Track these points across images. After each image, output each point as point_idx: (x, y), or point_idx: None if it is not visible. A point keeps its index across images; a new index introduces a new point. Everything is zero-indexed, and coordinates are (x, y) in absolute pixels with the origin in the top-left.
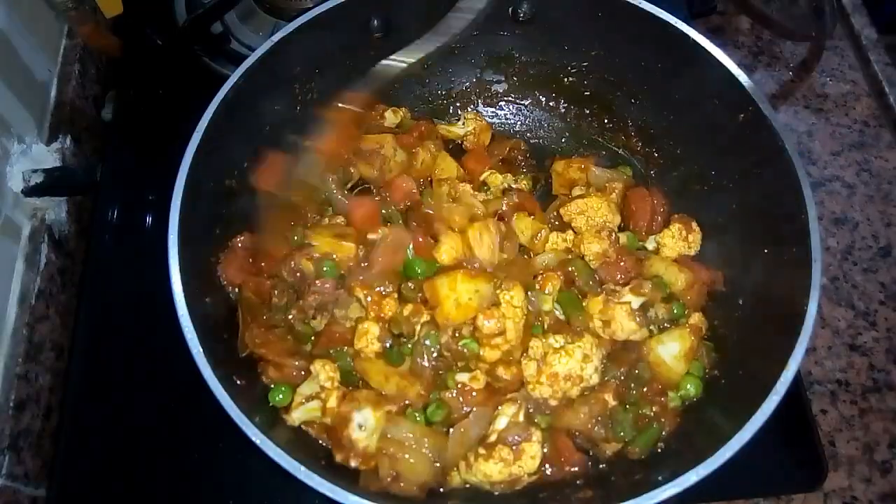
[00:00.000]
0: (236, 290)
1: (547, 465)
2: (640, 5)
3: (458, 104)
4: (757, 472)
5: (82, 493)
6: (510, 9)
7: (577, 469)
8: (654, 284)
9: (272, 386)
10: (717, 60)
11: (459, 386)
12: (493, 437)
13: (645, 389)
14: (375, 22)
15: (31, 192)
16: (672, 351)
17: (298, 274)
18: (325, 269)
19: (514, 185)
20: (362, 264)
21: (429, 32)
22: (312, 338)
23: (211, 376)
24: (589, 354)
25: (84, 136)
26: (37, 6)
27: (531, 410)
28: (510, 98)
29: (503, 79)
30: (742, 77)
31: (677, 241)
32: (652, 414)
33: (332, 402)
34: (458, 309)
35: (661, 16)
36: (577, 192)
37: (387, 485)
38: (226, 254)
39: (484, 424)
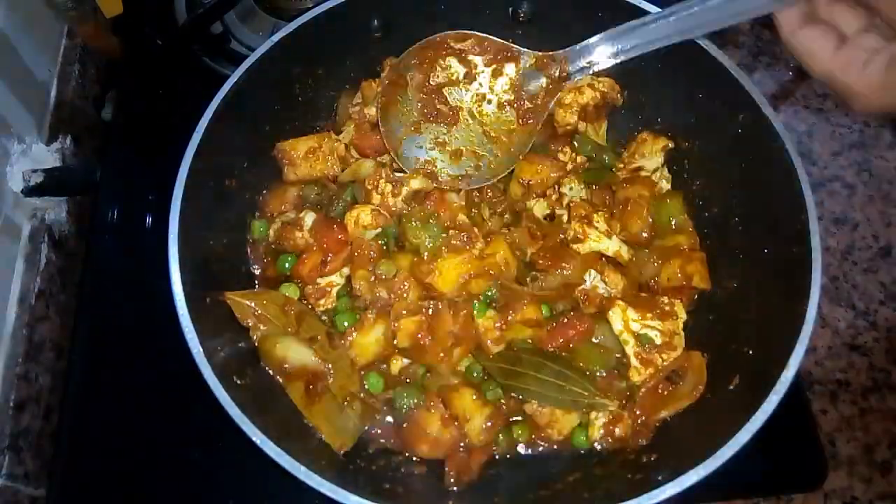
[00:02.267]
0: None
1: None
2: (641, 5)
3: None
4: (757, 472)
5: (82, 493)
6: (510, 9)
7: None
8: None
9: None
10: (717, 60)
11: None
12: None
13: None
14: (375, 22)
15: (31, 192)
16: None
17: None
18: None
19: None
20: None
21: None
22: None
23: (211, 376)
24: None
25: (84, 136)
26: (37, 6)
27: None
28: None
29: None
30: (742, 77)
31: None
32: None
33: None
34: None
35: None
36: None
37: None
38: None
39: None
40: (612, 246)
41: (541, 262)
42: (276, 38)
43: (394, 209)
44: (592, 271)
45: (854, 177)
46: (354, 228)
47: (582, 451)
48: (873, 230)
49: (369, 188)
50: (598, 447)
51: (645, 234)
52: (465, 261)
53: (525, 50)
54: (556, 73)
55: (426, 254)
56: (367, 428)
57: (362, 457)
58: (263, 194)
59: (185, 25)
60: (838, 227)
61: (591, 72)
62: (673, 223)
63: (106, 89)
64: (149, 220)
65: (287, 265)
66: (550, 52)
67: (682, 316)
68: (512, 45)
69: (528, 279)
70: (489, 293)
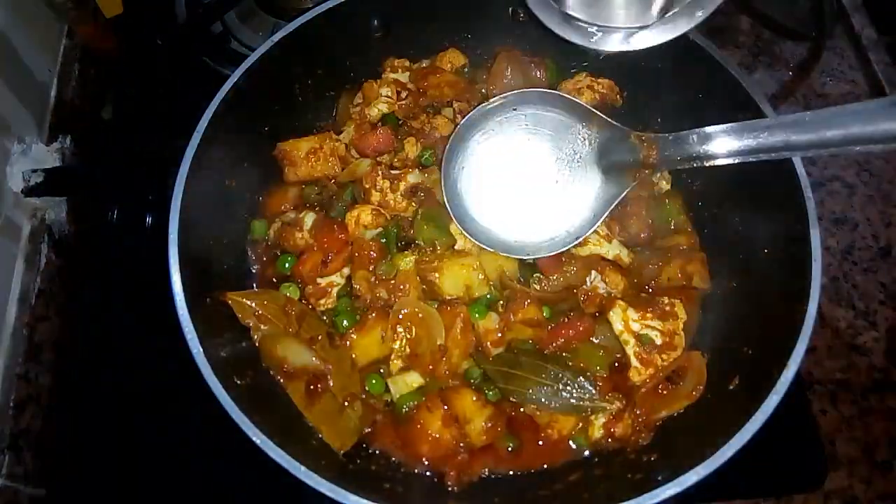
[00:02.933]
0: None
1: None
2: None
3: None
4: (757, 472)
5: (82, 493)
6: (510, 9)
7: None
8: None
9: None
10: (717, 60)
11: None
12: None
13: None
14: (375, 22)
15: (31, 192)
16: None
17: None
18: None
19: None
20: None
21: None
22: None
23: (211, 376)
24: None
25: (84, 136)
26: (37, 6)
27: None
28: None
29: None
30: (742, 77)
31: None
32: None
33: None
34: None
35: None
36: None
37: None
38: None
39: None
40: (613, 250)
41: (544, 266)
42: (276, 38)
43: (393, 206)
44: (593, 271)
45: (854, 177)
46: (355, 228)
47: (582, 451)
48: (873, 230)
49: (367, 186)
50: (598, 447)
51: (644, 235)
52: (468, 263)
53: (616, 125)
54: (642, 158)
55: (435, 250)
56: (366, 428)
57: (362, 457)
58: (263, 194)
59: (185, 25)
60: (838, 227)
61: (690, 165)
62: (672, 223)
63: (106, 89)
64: (149, 220)
65: (287, 265)
66: (649, 134)
67: (683, 316)
68: (600, 114)
69: (530, 281)
70: (489, 296)
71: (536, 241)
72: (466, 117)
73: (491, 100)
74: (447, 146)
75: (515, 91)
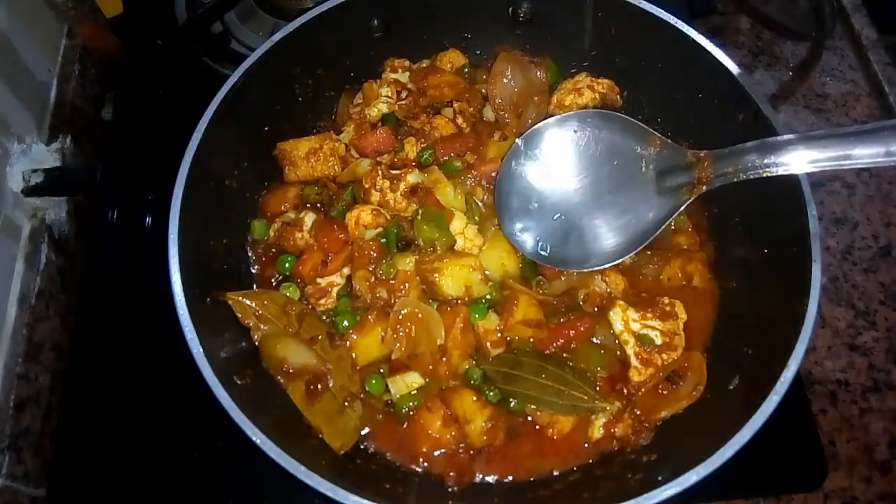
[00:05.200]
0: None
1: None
2: (640, 5)
3: None
4: (757, 472)
5: (82, 493)
6: (510, 9)
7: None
8: None
9: None
10: (717, 60)
11: None
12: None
13: None
14: (375, 22)
15: (31, 192)
16: None
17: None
18: None
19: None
20: None
21: None
22: None
23: (211, 376)
24: None
25: (84, 136)
26: (37, 6)
27: None
28: None
29: None
30: (742, 77)
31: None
32: None
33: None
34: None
35: (661, 15)
36: None
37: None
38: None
39: None
40: None
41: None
42: (276, 38)
43: (393, 206)
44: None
45: (854, 177)
46: (355, 228)
47: (582, 452)
48: (873, 230)
49: (367, 186)
50: (598, 447)
51: None
52: (468, 263)
53: (673, 144)
54: (698, 174)
55: (435, 250)
56: (366, 428)
57: (362, 457)
58: (263, 194)
59: (185, 25)
60: (838, 227)
61: (747, 177)
62: (672, 223)
63: (106, 89)
64: (149, 220)
65: (287, 265)
66: (704, 151)
67: (683, 316)
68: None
69: (532, 283)
70: (489, 297)
71: (584, 254)
72: (525, 134)
73: (553, 117)
74: (503, 161)
75: (576, 111)
